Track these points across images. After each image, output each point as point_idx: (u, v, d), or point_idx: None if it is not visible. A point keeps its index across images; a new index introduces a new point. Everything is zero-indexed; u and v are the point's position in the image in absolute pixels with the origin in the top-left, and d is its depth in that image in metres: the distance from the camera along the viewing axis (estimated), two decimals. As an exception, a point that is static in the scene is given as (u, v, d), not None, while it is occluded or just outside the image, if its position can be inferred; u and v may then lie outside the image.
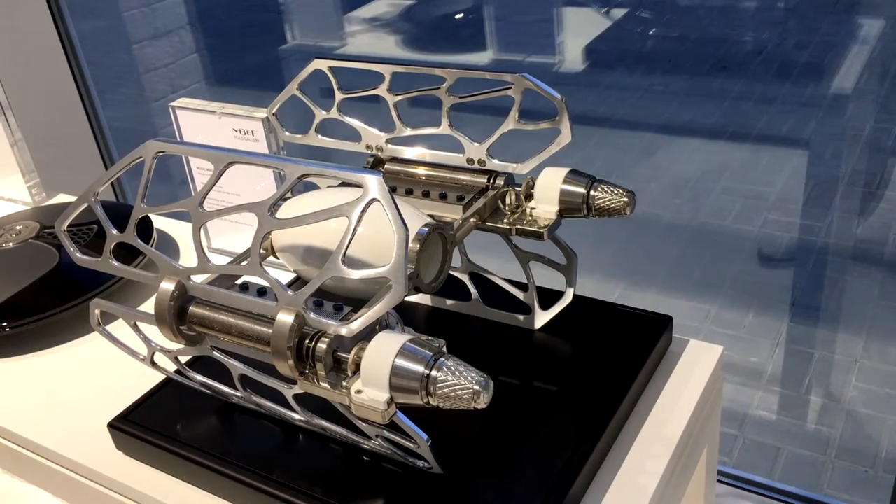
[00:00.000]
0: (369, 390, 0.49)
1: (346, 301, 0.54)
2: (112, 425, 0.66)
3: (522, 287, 0.71)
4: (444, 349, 0.50)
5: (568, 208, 0.64)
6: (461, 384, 0.47)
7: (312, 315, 0.51)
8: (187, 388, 0.66)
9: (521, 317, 0.71)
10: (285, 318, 0.51)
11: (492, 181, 0.67)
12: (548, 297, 0.71)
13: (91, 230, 0.89)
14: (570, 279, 0.68)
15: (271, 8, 1.45)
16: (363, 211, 0.48)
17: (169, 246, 0.95)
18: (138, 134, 1.63)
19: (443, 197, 0.67)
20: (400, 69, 0.66)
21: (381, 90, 0.69)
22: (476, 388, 0.47)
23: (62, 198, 1.10)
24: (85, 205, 0.59)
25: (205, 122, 0.85)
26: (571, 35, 1.15)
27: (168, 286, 0.56)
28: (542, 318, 0.70)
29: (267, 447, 0.62)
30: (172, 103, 0.86)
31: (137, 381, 0.71)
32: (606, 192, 0.63)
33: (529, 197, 0.66)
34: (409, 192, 0.68)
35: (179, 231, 0.98)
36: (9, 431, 0.72)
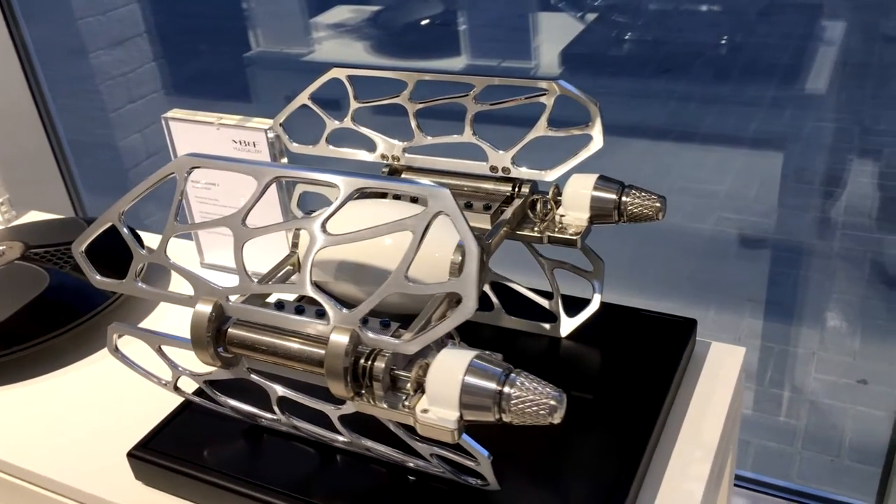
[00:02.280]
0: (437, 409, 0.48)
1: (390, 317, 0.52)
2: (133, 454, 0.63)
3: (545, 295, 0.71)
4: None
5: (599, 215, 0.64)
6: (537, 399, 0.46)
7: (371, 334, 0.49)
8: (209, 412, 0.63)
9: (546, 325, 0.70)
10: (340, 337, 0.49)
11: (517, 189, 0.66)
12: (570, 305, 0.70)
13: (78, 249, 0.85)
14: (598, 286, 0.68)
15: (234, 14, 1.41)
16: (429, 225, 0.47)
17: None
18: (96, 146, 1.57)
19: (468, 206, 0.66)
20: (427, 77, 0.65)
21: (402, 99, 0.67)
22: (553, 402, 0.46)
23: (35, 215, 1.05)
24: (108, 225, 0.56)
25: (201, 133, 0.82)
26: (547, 39, 1.15)
27: (205, 308, 0.54)
28: (568, 325, 0.70)
29: (305, 470, 0.60)
30: (165, 115, 0.83)
31: (144, 408, 0.69)
32: (639, 197, 0.63)
33: (556, 204, 0.66)
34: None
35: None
36: (13, 465, 0.68)
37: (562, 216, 0.65)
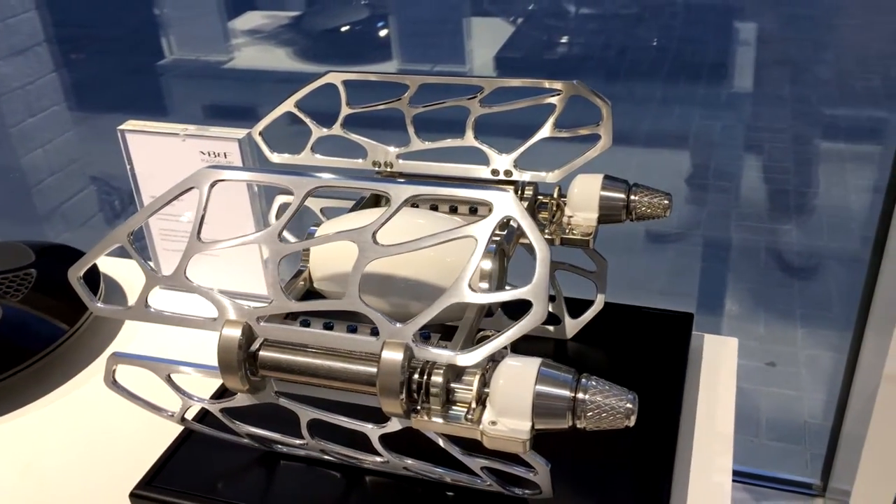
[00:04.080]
0: (507, 420, 0.46)
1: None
2: (137, 495, 0.58)
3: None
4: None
5: (608, 215, 0.64)
6: (612, 404, 0.46)
7: (426, 348, 0.47)
8: (212, 442, 0.59)
9: (551, 328, 0.70)
10: (394, 353, 0.47)
11: (521, 192, 0.65)
12: (570, 306, 0.70)
13: (29, 276, 0.78)
14: (601, 286, 0.68)
15: (145, 20, 1.33)
16: (494, 231, 0.45)
17: (114, 290, 0.85)
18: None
19: (473, 211, 0.65)
20: (431, 80, 0.63)
21: (401, 103, 0.65)
22: (629, 405, 0.46)
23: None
24: (115, 246, 0.52)
25: (164, 145, 0.77)
26: (480, 44, 1.15)
27: (233, 331, 0.50)
28: (573, 327, 0.69)
29: (332, 494, 0.57)
30: (121, 126, 0.77)
31: (125, 443, 0.66)
32: (647, 195, 0.63)
33: (560, 206, 0.65)
34: (434, 209, 0.65)
35: (122, 272, 0.88)
36: (-11, 518, 0.62)
37: (570, 217, 0.65)
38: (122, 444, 0.66)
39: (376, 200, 0.68)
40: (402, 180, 0.47)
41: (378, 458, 0.54)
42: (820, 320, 1.92)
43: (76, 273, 0.53)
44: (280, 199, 0.71)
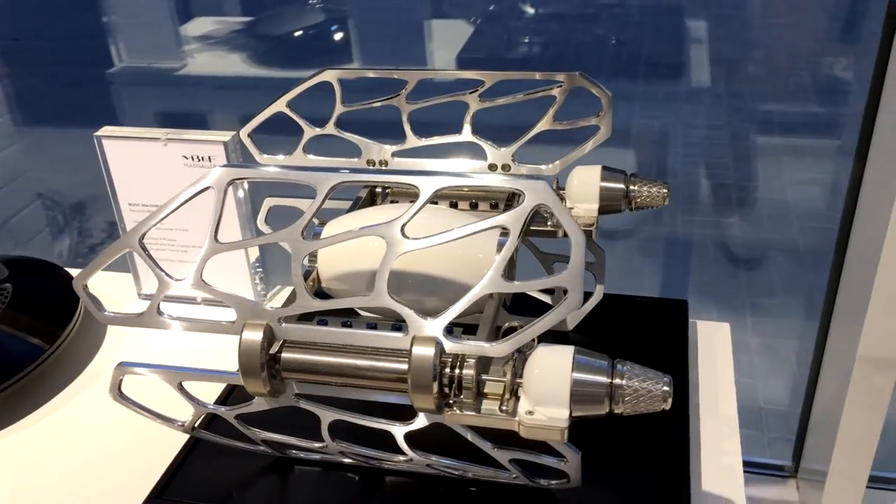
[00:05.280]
0: (545, 409, 0.46)
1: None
2: (147, 509, 0.56)
3: (545, 291, 0.71)
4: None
5: (608, 205, 0.64)
6: (649, 388, 0.46)
7: (465, 342, 0.47)
8: (217, 449, 0.58)
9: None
10: (425, 348, 0.47)
11: (519, 186, 0.65)
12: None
13: (4, 292, 0.75)
14: (600, 276, 0.69)
15: (91, 26, 1.29)
16: (527, 220, 0.45)
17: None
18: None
19: (474, 206, 0.65)
20: (428, 74, 0.63)
21: (398, 100, 0.65)
22: (666, 388, 0.46)
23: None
24: (125, 251, 0.50)
25: (144, 151, 0.74)
26: (441, 45, 1.15)
27: (254, 333, 0.49)
28: (574, 317, 0.70)
29: (352, 496, 0.56)
30: (98, 133, 0.75)
31: (117, 457, 0.64)
32: (646, 185, 0.64)
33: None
34: (454, 206, 0.65)
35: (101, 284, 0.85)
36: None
37: (570, 209, 0.65)
38: (118, 458, 0.64)
39: (372, 199, 0.67)
40: (426, 171, 0.46)
41: (401, 458, 0.54)
42: (769, 309, 1.98)
43: (82, 281, 0.51)
44: (270, 202, 0.70)
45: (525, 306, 0.70)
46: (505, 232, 0.45)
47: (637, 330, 0.70)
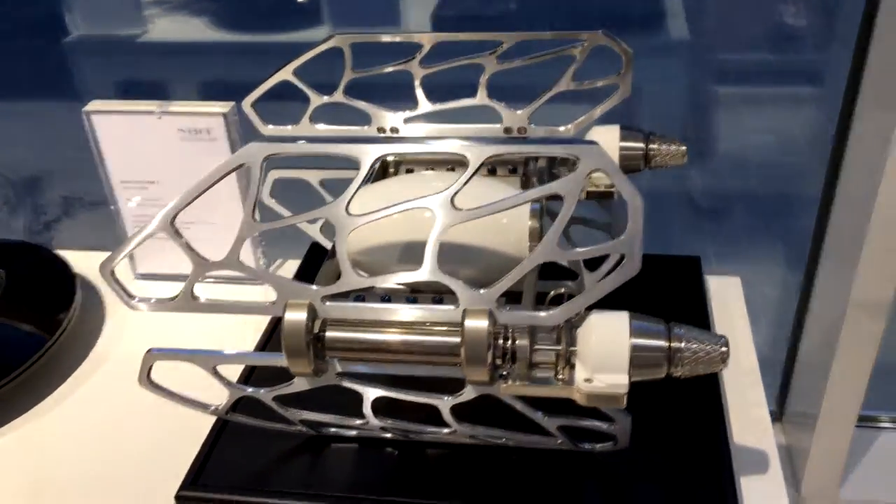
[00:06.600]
0: (603, 376, 0.46)
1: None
2: (182, 497, 0.55)
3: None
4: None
5: (627, 165, 0.64)
6: (707, 349, 0.46)
7: (518, 312, 0.46)
8: (245, 431, 0.56)
9: (570, 283, 0.69)
10: (478, 321, 0.46)
11: (536, 148, 0.64)
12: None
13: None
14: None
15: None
16: (583, 186, 0.44)
17: (89, 292, 0.78)
18: None
19: (492, 171, 0.63)
20: (447, 37, 0.61)
21: (411, 64, 0.63)
22: (723, 349, 0.46)
23: None
24: (155, 234, 0.47)
25: (136, 125, 0.71)
26: (414, 3, 1.13)
27: (298, 313, 0.47)
28: (591, 280, 0.69)
29: (391, 470, 0.56)
30: (86, 108, 0.71)
31: (132, 442, 0.62)
32: (665, 143, 0.64)
33: (577, 159, 0.65)
34: (451, 171, 0.63)
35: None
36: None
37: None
38: (140, 443, 0.62)
39: (384, 171, 0.65)
40: (474, 137, 0.45)
41: (445, 430, 0.53)
42: (732, 257, 2.01)
43: (109, 266, 0.48)
44: (275, 174, 0.67)
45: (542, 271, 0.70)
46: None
47: (655, 286, 0.70)
